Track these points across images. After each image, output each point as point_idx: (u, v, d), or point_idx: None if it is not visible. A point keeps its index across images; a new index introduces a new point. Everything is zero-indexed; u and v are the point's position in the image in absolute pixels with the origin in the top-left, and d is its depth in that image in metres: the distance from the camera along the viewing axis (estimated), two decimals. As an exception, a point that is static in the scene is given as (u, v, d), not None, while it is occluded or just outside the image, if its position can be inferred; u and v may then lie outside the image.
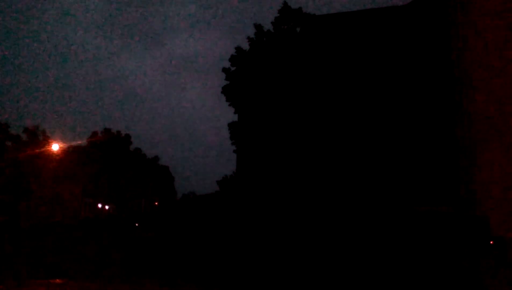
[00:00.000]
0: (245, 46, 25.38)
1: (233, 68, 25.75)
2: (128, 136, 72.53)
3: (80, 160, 52.25)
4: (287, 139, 20.00)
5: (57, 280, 12.84)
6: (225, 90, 26.17)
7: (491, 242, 12.46)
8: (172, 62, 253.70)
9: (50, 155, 45.69)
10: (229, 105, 26.13)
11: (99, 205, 62.38)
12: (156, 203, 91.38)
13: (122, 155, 68.58)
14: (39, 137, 48.26)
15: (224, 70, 25.96)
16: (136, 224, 50.84)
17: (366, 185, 16.52)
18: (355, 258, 14.75)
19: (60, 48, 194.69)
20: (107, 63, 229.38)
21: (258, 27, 24.96)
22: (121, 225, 46.72)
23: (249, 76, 24.30)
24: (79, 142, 55.72)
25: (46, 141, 46.99)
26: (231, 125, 27.35)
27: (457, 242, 13.18)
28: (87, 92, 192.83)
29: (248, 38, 25.13)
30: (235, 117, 26.47)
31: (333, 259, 14.94)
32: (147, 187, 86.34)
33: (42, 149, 43.91)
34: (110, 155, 63.90)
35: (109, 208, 65.68)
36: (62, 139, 57.05)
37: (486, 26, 14.74)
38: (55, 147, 44.30)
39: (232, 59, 25.64)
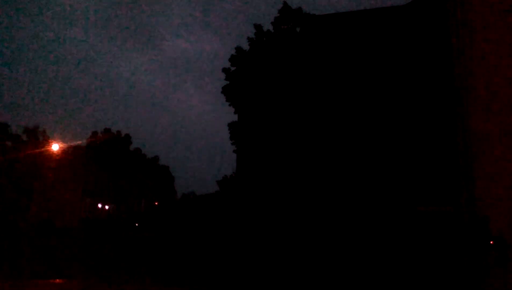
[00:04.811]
0: (245, 46, 25.39)
1: (233, 68, 25.74)
2: (128, 136, 72.52)
3: (80, 160, 52.24)
4: (287, 139, 19.99)
5: (57, 280, 12.85)
6: (225, 90, 26.15)
7: (491, 242, 12.45)
8: (172, 62, 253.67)
9: (50, 155, 45.69)
10: (229, 105, 26.11)
11: (99, 205, 62.31)
12: (156, 203, 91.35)
13: (122, 155, 68.56)
14: (39, 137, 48.29)
15: (224, 70, 25.95)
16: (136, 224, 50.92)
17: (366, 185, 16.52)
18: (356, 258, 14.77)
19: (60, 48, 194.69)
20: (107, 63, 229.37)
21: (258, 27, 24.95)
22: (121, 225, 46.79)
23: (249, 76, 24.28)
24: (79, 142, 55.61)
25: (46, 141, 47.03)
26: (231, 125, 27.34)
27: (457, 242, 13.19)
28: (87, 92, 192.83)
29: (248, 38, 25.12)
30: (235, 117, 26.45)
31: (334, 259, 14.95)
32: (147, 187, 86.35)
33: (42, 149, 43.93)
34: (110, 155, 63.87)
35: (109, 208, 65.61)
36: (62, 139, 56.99)
37: (488, 26, 14.73)
38: (55, 147, 44.34)
39: (232, 59, 25.62)
